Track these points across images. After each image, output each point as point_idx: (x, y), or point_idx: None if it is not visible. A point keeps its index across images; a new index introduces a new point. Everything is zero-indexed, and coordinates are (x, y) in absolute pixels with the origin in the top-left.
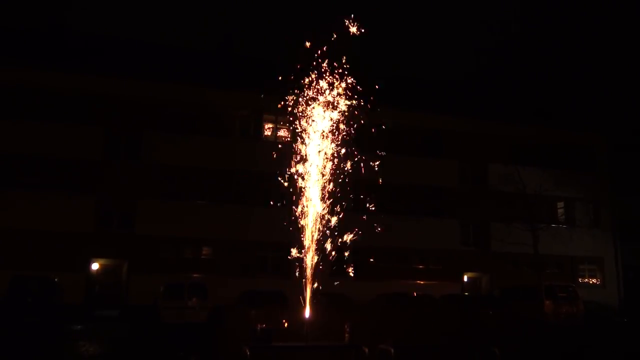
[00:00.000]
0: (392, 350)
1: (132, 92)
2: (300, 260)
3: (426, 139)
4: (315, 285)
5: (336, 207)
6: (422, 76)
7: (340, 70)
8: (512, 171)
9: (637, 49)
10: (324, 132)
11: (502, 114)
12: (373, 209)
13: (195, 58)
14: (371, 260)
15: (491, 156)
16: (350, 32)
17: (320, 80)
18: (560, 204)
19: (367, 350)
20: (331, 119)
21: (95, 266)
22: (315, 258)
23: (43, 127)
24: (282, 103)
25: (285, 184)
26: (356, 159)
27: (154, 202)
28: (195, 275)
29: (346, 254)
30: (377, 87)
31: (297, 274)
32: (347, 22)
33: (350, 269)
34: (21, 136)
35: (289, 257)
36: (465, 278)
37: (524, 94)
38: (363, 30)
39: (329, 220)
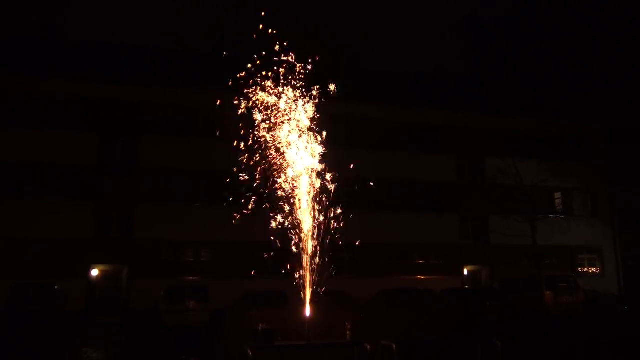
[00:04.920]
0: (394, 346)
1: (127, 97)
2: (299, 259)
3: (423, 135)
4: (315, 283)
5: (329, 204)
6: (416, 70)
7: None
8: (509, 164)
9: (631, 39)
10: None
11: (497, 106)
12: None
13: (188, 61)
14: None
15: (488, 150)
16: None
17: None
18: (558, 195)
19: (369, 346)
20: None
21: (95, 272)
22: (313, 256)
23: (38, 135)
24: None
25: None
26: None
27: (152, 206)
28: (195, 278)
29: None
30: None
31: (296, 274)
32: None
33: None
34: (16, 144)
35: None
36: (466, 272)
37: (519, 86)
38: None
39: (325, 218)
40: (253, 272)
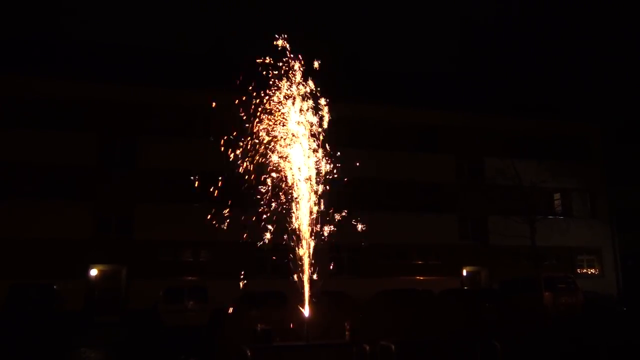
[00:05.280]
0: (393, 347)
1: (126, 97)
2: (298, 260)
3: (422, 135)
4: (314, 283)
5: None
6: (415, 70)
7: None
8: (508, 164)
9: (631, 38)
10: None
11: (496, 107)
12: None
13: (187, 61)
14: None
15: (487, 150)
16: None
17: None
18: (557, 195)
19: (368, 347)
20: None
21: (94, 272)
22: (310, 256)
23: (37, 135)
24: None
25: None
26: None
27: (152, 206)
28: (194, 278)
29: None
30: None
31: (294, 274)
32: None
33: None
34: (15, 144)
35: (284, 259)
36: (465, 272)
37: (518, 86)
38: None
39: (323, 219)
40: (252, 273)
